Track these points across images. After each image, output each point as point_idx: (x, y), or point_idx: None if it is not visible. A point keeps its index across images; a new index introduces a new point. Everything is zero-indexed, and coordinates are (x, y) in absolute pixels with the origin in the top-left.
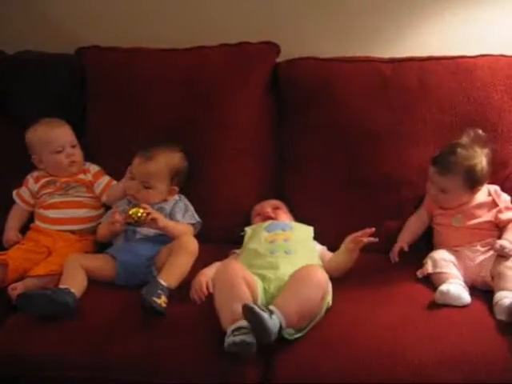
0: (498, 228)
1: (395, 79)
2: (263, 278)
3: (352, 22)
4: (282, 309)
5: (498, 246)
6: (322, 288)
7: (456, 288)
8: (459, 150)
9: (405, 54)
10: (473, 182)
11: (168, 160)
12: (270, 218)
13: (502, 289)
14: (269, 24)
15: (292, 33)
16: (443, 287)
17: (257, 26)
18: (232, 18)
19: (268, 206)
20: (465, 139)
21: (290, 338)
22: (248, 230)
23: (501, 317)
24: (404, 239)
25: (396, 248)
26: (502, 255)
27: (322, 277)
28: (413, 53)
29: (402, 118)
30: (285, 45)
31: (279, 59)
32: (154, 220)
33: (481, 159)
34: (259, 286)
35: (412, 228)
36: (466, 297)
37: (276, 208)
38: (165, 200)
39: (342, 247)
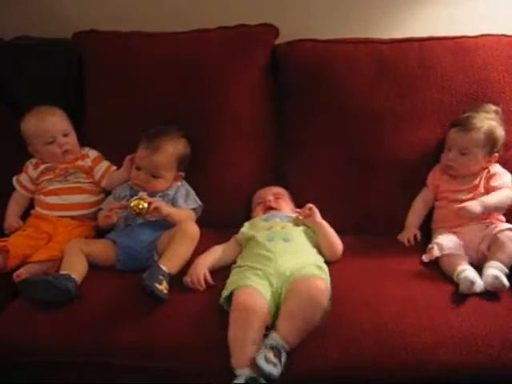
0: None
1: (395, 60)
2: (265, 274)
3: (352, 2)
4: (284, 337)
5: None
6: (322, 307)
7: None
8: (482, 112)
9: (405, 34)
10: (491, 143)
11: (174, 148)
12: (271, 207)
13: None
14: (268, 6)
15: (291, 15)
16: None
17: (256, 8)
18: (231, 1)
19: (270, 194)
20: (485, 107)
21: None
22: (246, 224)
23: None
24: (414, 224)
25: (410, 235)
26: None
27: (324, 291)
28: (413, 33)
29: (402, 98)
30: (284, 27)
31: (279, 41)
32: (156, 209)
33: (498, 125)
34: (269, 301)
35: (419, 210)
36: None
37: (278, 197)
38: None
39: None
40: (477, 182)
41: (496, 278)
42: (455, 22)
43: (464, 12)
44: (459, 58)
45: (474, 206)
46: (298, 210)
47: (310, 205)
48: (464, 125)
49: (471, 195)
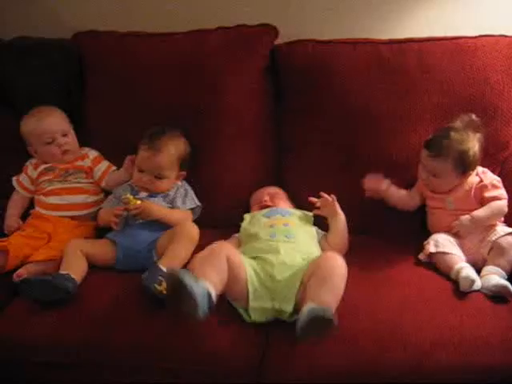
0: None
1: (394, 61)
2: (264, 261)
3: (351, 3)
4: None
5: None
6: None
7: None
8: (452, 133)
9: (404, 35)
10: (464, 166)
11: (175, 148)
12: (267, 207)
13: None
14: (267, 6)
15: (291, 15)
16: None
17: (255, 8)
18: (230, 1)
19: (265, 194)
20: (458, 123)
21: (289, 321)
22: (247, 216)
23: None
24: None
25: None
26: None
27: (343, 263)
28: (412, 34)
29: (401, 99)
30: (284, 27)
31: (278, 42)
32: (145, 213)
33: (473, 144)
34: (248, 269)
35: (400, 194)
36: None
37: (274, 196)
38: None
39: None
40: (460, 192)
41: (504, 287)
42: (454, 22)
43: (463, 13)
44: (458, 58)
45: (465, 221)
46: (314, 199)
47: (332, 195)
48: (432, 150)
49: (456, 205)
